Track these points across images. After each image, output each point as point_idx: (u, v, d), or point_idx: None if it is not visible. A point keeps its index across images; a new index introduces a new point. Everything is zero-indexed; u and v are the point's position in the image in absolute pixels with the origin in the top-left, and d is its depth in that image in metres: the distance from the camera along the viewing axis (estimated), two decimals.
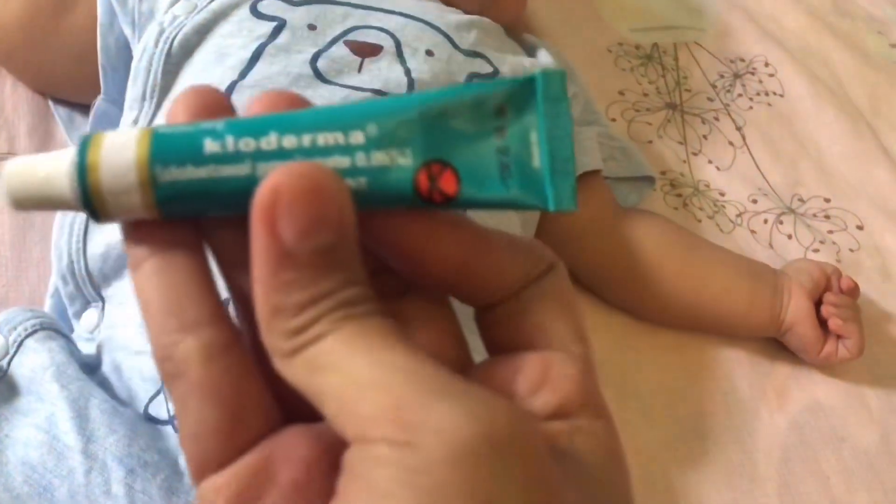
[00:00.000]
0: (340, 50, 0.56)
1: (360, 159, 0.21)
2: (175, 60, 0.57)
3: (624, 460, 0.23)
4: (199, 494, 0.22)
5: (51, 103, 0.69)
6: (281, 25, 0.57)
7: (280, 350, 0.20)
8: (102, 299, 0.52)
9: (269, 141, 0.21)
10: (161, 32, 0.57)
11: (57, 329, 0.50)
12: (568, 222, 0.66)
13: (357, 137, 0.21)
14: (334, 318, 0.20)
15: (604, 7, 0.90)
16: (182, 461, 0.44)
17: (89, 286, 0.52)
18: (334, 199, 0.20)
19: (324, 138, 0.21)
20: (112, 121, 0.61)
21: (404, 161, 0.21)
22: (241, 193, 0.21)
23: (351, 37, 0.57)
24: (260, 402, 0.22)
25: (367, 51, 0.57)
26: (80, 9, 0.65)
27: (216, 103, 0.23)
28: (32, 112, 0.69)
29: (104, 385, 0.49)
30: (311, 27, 0.57)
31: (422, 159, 0.21)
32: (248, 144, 0.21)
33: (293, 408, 0.22)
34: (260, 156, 0.21)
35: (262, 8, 0.58)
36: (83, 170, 0.21)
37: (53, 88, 0.70)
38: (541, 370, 0.23)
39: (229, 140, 0.21)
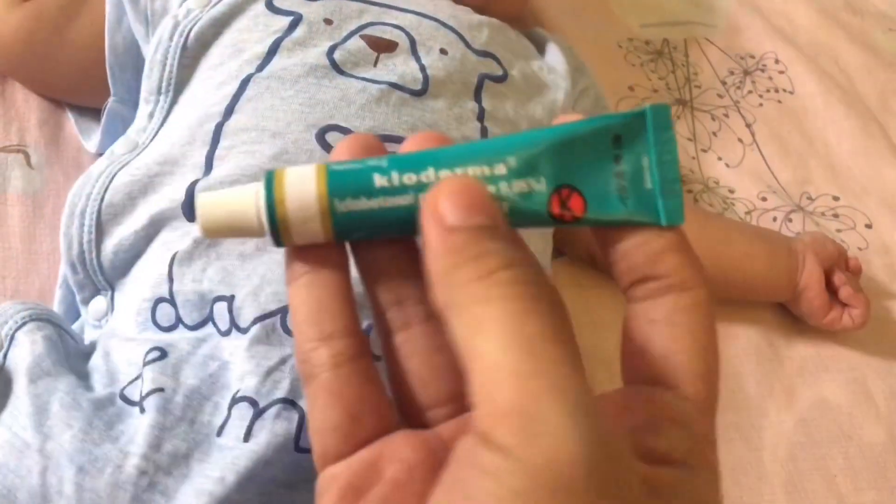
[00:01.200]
0: (357, 43, 0.57)
1: (503, 187, 0.24)
2: (191, 54, 0.57)
3: None
4: (319, 481, 0.25)
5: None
6: (297, 20, 0.57)
7: (451, 301, 0.22)
8: (112, 287, 0.52)
9: (428, 175, 0.24)
10: (176, 26, 0.57)
11: (50, 319, 0.49)
12: None
13: (500, 169, 0.24)
14: (503, 282, 0.21)
15: (614, 2, 0.90)
16: (133, 447, 0.44)
17: (100, 276, 0.52)
18: (482, 193, 0.23)
19: (472, 171, 0.24)
20: (124, 119, 0.62)
21: (539, 187, 0.24)
22: (405, 219, 0.24)
23: (367, 32, 0.58)
24: (378, 406, 0.25)
25: (382, 46, 0.57)
26: (82, 20, 0.65)
27: (374, 147, 0.26)
28: (43, 105, 0.69)
29: (87, 372, 0.48)
30: (328, 21, 0.58)
31: (553, 185, 0.25)
32: (410, 178, 0.24)
33: (409, 413, 0.26)
34: (421, 187, 0.24)
35: (277, 3, 0.58)
36: (272, 204, 0.25)
37: (60, 95, 0.70)
38: (655, 412, 0.23)
39: (395, 175, 0.24)
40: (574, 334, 0.21)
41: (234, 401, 0.45)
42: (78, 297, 0.53)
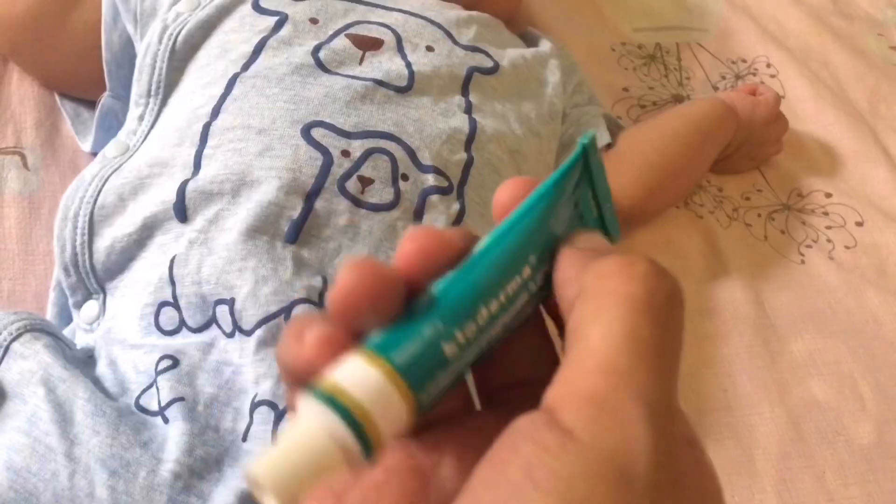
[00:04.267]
0: (342, 42, 0.57)
1: (532, 286, 0.24)
2: (180, 56, 0.57)
3: None
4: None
5: (57, 98, 0.70)
6: (283, 19, 0.58)
7: (583, 287, 0.22)
8: (104, 291, 0.53)
9: (482, 315, 0.23)
10: (165, 29, 0.58)
11: (43, 328, 0.50)
12: None
13: (526, 272, 0.24)
14: (639, 277, 0.21)
15: (606, 6, 0.91)
16: (165, 454, 0.44)
17: (92, 279, 0.53)
18: None
19: (511, 288, 0.23)
20: (117, 116, 0.62)
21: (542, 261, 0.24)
22: (475, 361, 0.23)
23: (352, 31, 0.58)
24: None
25: (368, 44, 0.57)
26: (86, 5, 0.65)
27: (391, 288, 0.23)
28: (39, 106, 0.69)
29: (96, 380, 0.49)
30: (313, 21, 0.58)
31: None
32: (471, 329, 0.23)
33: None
34: (483, 330, 0.23)
35: (264, 3, 0.59)
36: (362, 434, 0.21)
37: (60, 84, 0.70)
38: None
39: (459, 335, 0.22)
40: (680, 354, 0.21)
41: (254, 405, 0.46)
42: (70, 301, 0.54)
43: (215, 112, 0.54)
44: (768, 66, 0.89)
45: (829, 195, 0.79)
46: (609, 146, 0.71)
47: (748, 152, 0.78)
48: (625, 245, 0.71)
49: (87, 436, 0.44)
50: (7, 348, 0.48)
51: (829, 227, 0.77)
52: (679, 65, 0.87)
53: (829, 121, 0.85)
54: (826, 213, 0.78)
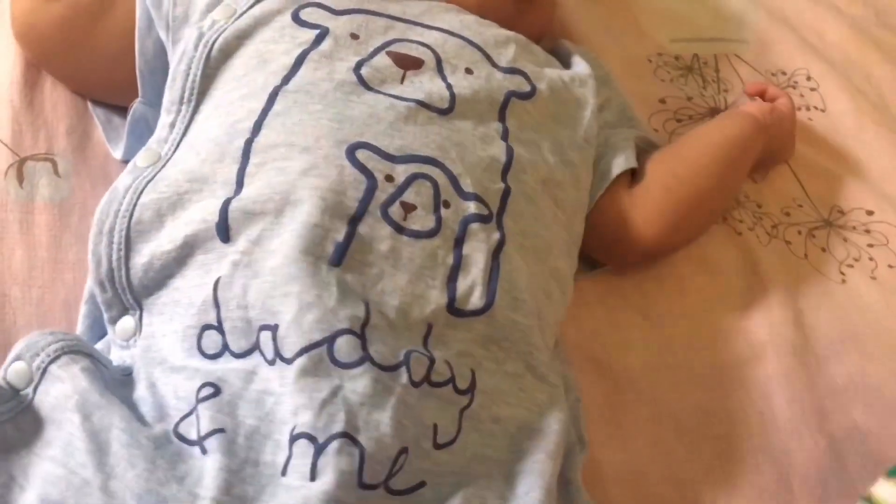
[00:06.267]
0: (383, 60, 0.57)
1: None
2: (214, 64, 0.57)
3: None
4: None
5: (89, 104, 0.70)
6: (324, 33, 0.57)
7: None
8: (140, 307, 0.52)
9: None
10: (200, 37, 0.58)
11: (81, 350, 0.49)
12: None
13: None
14: None
15: (643, 16, 0.89)
16: (201, 490, 0.44)
17: (129, 295, 0.52)
18: None
19: None
20: (149, 123, 0.62)
21: None
22: None
23: (393, 48, 0.58)
24: None
25: (409, 63, 0.57)
26: (117, 11, 0.65)
27: None
28: (71, 112, 0.69)
29: (133, 404, 0.48)
30: (354, 36, 0.58)
31: None
32: None
33: None
34: None
35: (304, 16, 0.58)
36: None
37: (91, 90, 0.70)
38: None
39: None
40: None
41: (293, 437, 0.45)
42: (105, 317, 0.53)
43: (257, 127, 0.53)
44: (808, 78, 0.87)
45: (870, 213, 0.77)
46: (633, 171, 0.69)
47: (764, 161, 0.77)
48: (661, 261, 0.70)
49: (123, 468, 0.44)
50: (45, 370, 0.47)
51: (871, 245, 0.75)
52: (717, 76, 0.86)
53: (870, 136, 0.83)
54: (868, 231, 0.76)
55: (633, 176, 0.70)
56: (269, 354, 0.47)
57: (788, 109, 0.77)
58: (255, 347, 0.48)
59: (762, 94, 0.79)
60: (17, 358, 0.48)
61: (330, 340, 0.46)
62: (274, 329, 0.47)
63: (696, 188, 0.69)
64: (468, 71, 0.59)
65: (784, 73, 0.88)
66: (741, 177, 0.75)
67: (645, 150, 0.72)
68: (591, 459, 0.58)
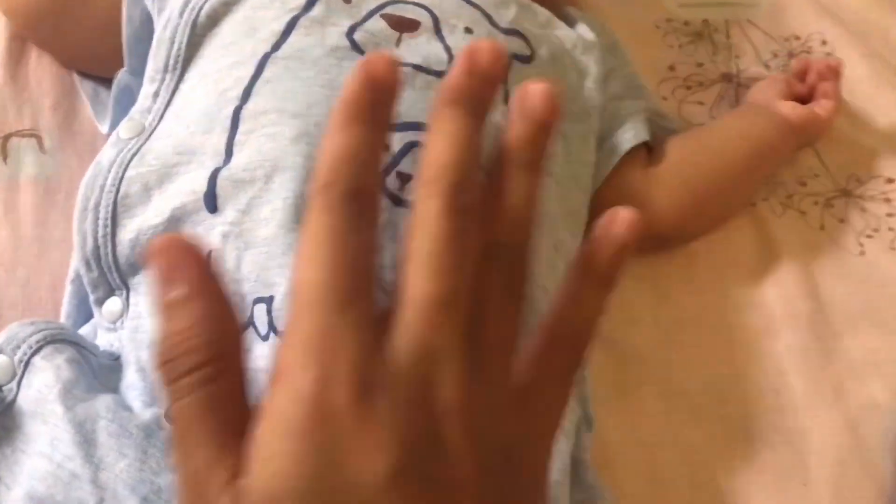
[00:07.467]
0: (378, 23, 0.55)
1: None
2: (200, 31, 0.55)
3: None
4: None
5: (76, 78, 0.68)
6: None
7: None
8: (127, 287, 0.50)
9: None
10: (186, 3, 0.56)
11: (65, 338, 0.47)
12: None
13: None
14: None
15: None
16: None
17: (115, 274, 0.50)
18: None
19: None
20: (134, 94, 0.60)
21: None
22: None
23: (388, 11, 0.56)
24: None
25: (405, 25, 0.55)
26: None
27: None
28: (56, 88, 0.67)
29: (122, 391, 0.47)
30: (346, 0, 0.55)
31: None
32: None
33: None
34: None
35: None
36: None
37: (79, 61, 0.68)
38: None
39: None
40: None
41: None
42: (91, 298, 0.51)
43: (246, 95, 0.51)
44: (823, 43, 0.84)
45: (890, 180, 0.75)
46: (647, 145, 0.67)
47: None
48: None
49: (113, 458, 0.42)
50: (27, 363, 0.46)
51: (890, 215, 0.73)
52: (728, 42, 0.83)
53: (888, 102, 0.80)
54: (888, 200, 0.73)
55: (650, 153, 0.67)
56: (263, 329, 0.45)
57: (828, 118, 0.73)
58: (249, 323, 0.46)
59: (803, 75, 0.75)
60: None
61: None
62: (269, 301, 0.46)
63: (718, 181, 0.68)
64: (468, 30, 0.57)
65: (798, 38, 0.85)
66: (764, 179, 0.72)
67: (659, 126, 0.69)
68: (600, 440, 0.56)
